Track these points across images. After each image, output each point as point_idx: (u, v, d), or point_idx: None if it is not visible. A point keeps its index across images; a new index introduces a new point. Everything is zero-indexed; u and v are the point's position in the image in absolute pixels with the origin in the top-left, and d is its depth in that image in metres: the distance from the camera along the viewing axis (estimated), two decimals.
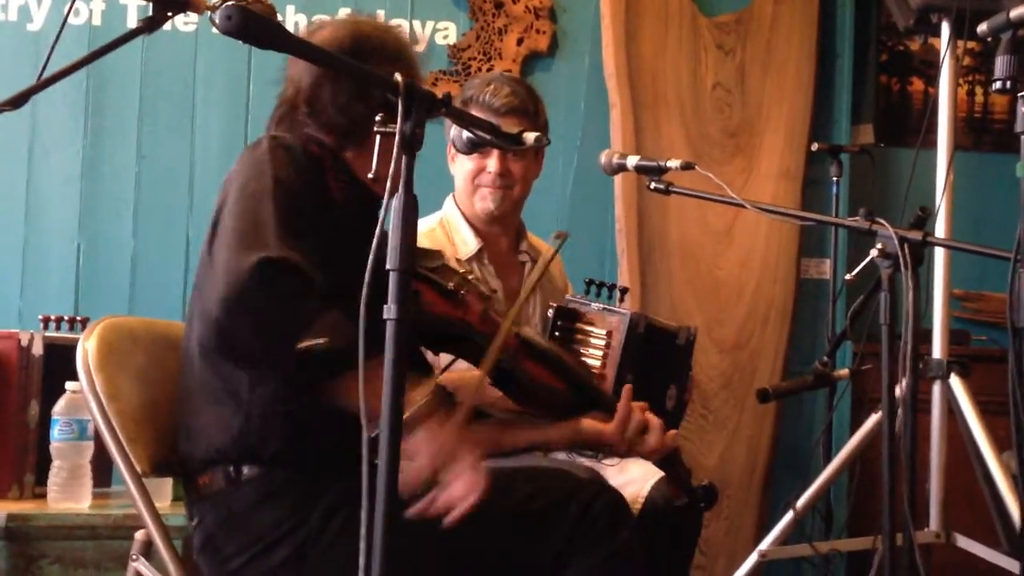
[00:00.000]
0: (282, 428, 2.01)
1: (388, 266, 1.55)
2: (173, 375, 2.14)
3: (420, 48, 4.22)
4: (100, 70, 4.04)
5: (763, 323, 4.21)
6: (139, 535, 2.06)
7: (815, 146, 4.03)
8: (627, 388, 2.34)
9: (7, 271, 4.08)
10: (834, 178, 4.03)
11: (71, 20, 4.09)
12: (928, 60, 4.58)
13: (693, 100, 4.24)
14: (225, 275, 1.84)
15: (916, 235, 2.43)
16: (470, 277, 2.27)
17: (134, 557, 2.06)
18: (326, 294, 1.84)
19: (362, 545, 1.58)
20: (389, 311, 1.55)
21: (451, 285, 2.16)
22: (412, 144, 1.54)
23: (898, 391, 2.50)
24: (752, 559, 3.46)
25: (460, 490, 1.89)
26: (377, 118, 1.57)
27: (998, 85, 2.09)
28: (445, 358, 2.33)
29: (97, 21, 4.11)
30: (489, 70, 4.21)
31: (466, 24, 4.25)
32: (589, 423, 2.30)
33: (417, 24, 4.24)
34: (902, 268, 2.40)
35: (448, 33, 4.26)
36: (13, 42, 4.09)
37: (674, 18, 4.25)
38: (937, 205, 3.60)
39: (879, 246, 2.43)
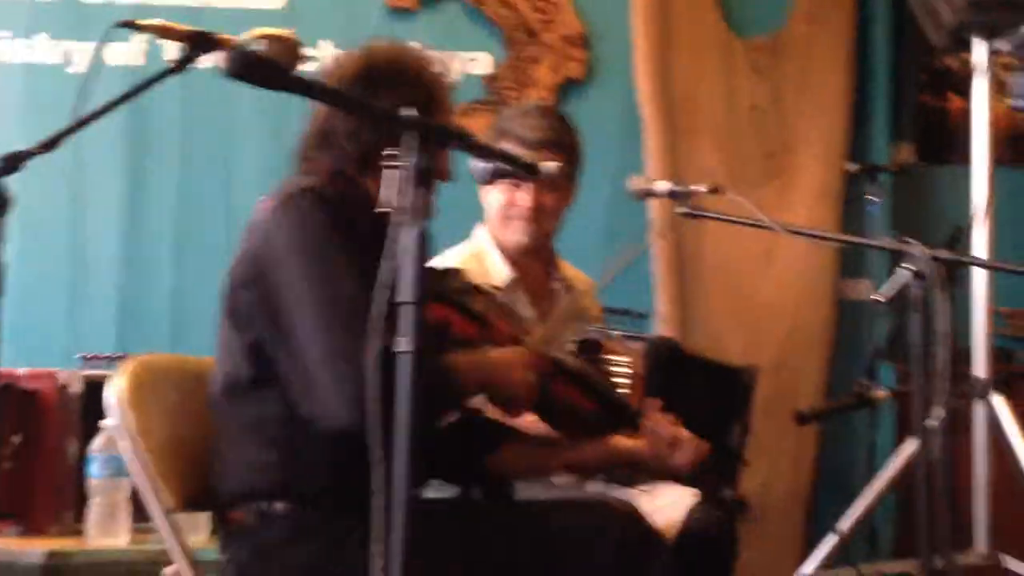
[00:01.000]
0: (315, 464, 2.02)
1: (401, 298, 1.56)
2: (205, 411, 2.16)
3: (453, 78, 4.24)
4: (141, 106, 4.08)
5: (803, 345, 4.18)
6: (169, 571, 2.08)
7: (852, 166, 4.01)
8: (654, 403, 2.34)
9: (54, 305, 4.13)
10: (872, 199, 4.00)
11: (112, 63, 4.15)
12: (968, 77, 4.54)
13: (729, 123, 4.24)
14: (339, 376, 1.86)
15: (946, 254, 2.42)
16: (498, 297, 2.28)
17: None
18: None
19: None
20: (401, 344, 1.55)
21: (478, 308, 2.17)
22: (423, 178, 1.55)
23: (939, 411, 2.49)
24: None
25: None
26: (386, 151, 1.59)
27: (1020, 103, 2.08)
28: None
29: (138, 62, 4.17)
30: (524, 99, 4.22)
31: (500, 54, 4.27)
32: (621, 441, 2.32)
33: (451, 55, 4.26)
34: (933, 288, 2.39)
35: (482, 64, 4.28)
36: (55, 85, 4.15)
37: (708, 41, 4.25)
38: (973, 222, 3.58)
39: (909, 266, 2.42)
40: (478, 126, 4.11)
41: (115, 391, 2.10)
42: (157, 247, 4.17)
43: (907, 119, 4.45)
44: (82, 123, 2.39)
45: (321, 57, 4.22)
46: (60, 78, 4.17)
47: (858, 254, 4.23)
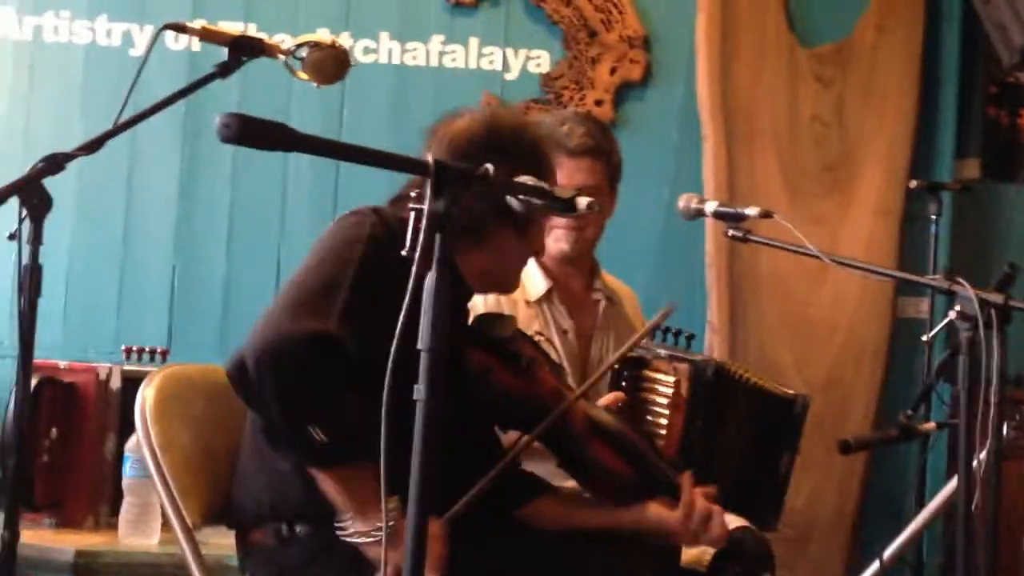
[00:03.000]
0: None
1: (419, 346, 1.53)
2: (232, 422, 2.15)
3: (511, 76, 4.21)
4: (197, 94, 4.09)
5: (856, 363, 4.10)
6: None
7: (913, 183, 3.92)
8: (687, 476, 2.29)
9: (105, 291, 4.16)
10: (933, 216, 3.91)
11: (171, 47, 4.16)
12: None
13: (789, 133, 4.16)
14: (275, 327, 1.85)
15: (998, 298, 2.34)
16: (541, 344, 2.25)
17: None
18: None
19: None
20: (419, 392, 1.52)
21: (523, 361, 2.14)
22: (444, 222, 1.52)
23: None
24: None
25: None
26: (412, 194, 1.55)
27: None
28: (512, 435, 2.30)
29: (196, 47, 4.17)
30: (582, 99, 4.18)
31: (559, 53, 4.22)
32: (655, 510, 2.26)
33: (510, 52, 4.22)
34: (981, 331, 2.32)
35: (541, 62, 4.23)
36: (116, 67, 4.17)
37: (771, 48, 4.17)
38: None
39: (958, 307, 2.35)
40: None
41: (140, 404, 2.09)
42: (209, 238, 4.19)
43: (974, 134, 4.34)
44: (122, 127, 2.39)
45: (378, 50, 4.22)
46: (121, 60, 4.19)
47: (918, 271, 4.12)
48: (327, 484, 1.92)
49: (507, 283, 2.29)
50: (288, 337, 1.83)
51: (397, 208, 2.09)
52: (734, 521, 2.74)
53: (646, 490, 2.25)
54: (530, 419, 2.13)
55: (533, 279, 2.93)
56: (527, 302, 2.88)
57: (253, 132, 1.40)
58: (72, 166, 2.23)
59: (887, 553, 3.41)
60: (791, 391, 2.86)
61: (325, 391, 1.83)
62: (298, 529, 2.02)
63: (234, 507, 2.10)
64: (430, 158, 1.52)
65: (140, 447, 2.11)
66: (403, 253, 1.53)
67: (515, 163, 1.96)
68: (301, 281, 1.95)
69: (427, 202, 1.50)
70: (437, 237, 1.52)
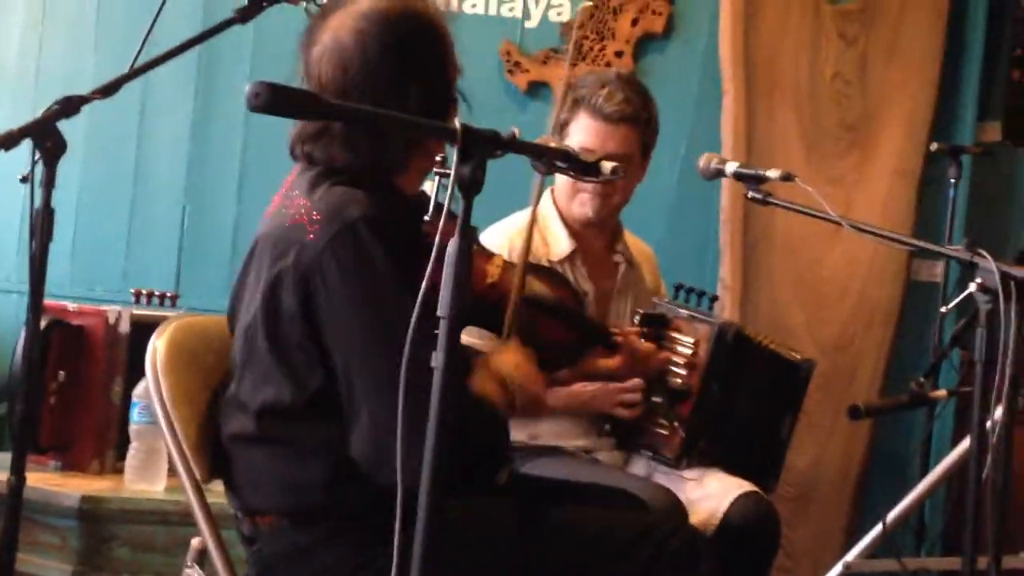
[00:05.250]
0: (346, 485, 1.93)
1: (439, 313, 1.51)
2: None
3: (531, 24, 4.14)
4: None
5: (867, 325, 4.07)
6: (195, 543, 2.05)
7: (935, 146, 3.87)
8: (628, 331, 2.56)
9: (115, 229, 4.13)
10: (952, 180, 3.87)
11: None
12: None
13: (810, 90, 4.10)
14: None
15: (1020, 271, 2.32)
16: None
17: (189, 564, 2.06)
18: None
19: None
20: (437, 359, 1.50)
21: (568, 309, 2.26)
22: (470, 189, 1.49)
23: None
24: (836, 570, 3.39)
25: None
26: (437, 158, 1.52)
27: None
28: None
29: None
30: (602, 51, 4.12)
31: (580, 1, 4.15)
32: (599, 360, 2.46)
33: (531, 0, 4.16)
34: (1002, 304, 2.30)
35: (562, 10, 4.17)
36: (129, 5, 4.11)
37: (796, 4, 4.09)
38: None
39: (979, 280, 2.33)
40: (554, 75, 4.03)
41: (151, 355, 2.06)
42: (221, 180, 4.15)
43: (997, 96, 4.29)
44: (138, 71, 2.37)
45: None
46: None
47: (935, 234, 4.10)
48: None
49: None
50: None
51: (358, 200, 1.92)
52: (740, 487, 2.74)
53: (589, 347, 2.42)
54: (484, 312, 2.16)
55: (558, 238, 2.91)
56: (550, 261, 2.86)
57: (283, 101, 1.36)
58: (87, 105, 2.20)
59: (890, 517, 3.42)
60: (798, 355, 2.86)
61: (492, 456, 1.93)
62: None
63: (239, 494, 2.03)
64: (457, 124, 1.48)
65: (150, 396, 2.09)
66: (426, 218, 1.51)
67: (419, 70, 1.91)
68: (377, 370, 1.82)
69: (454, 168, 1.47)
70: (462, 203, 1.49)
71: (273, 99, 1.34)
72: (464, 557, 1.89)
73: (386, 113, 1.50)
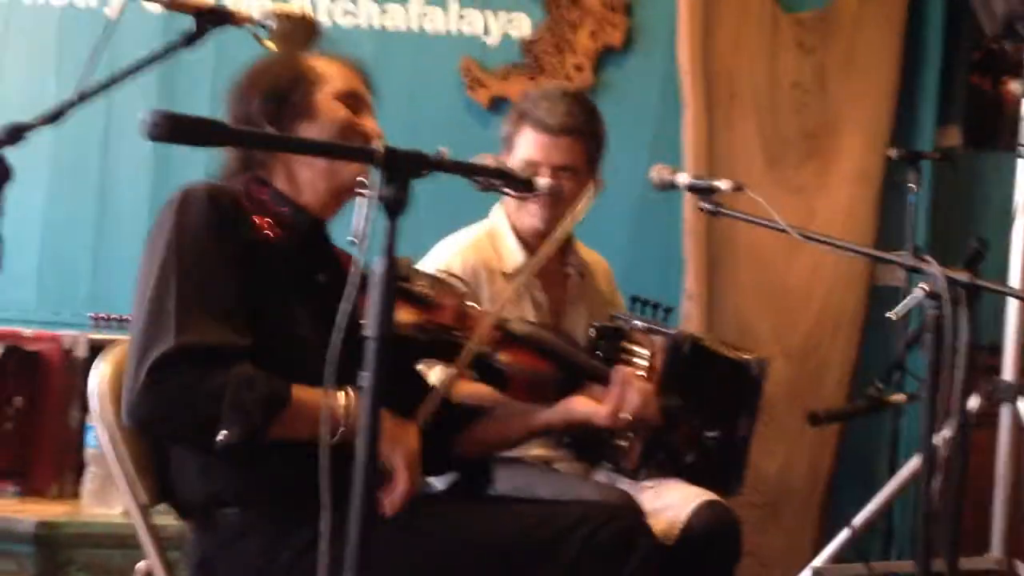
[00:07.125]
0: (247, 472, 1.98)
1: (366, 333, 1.52)
2: None
3: (492, 41, 4.16)
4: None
5: (833, 331, 4.09)
6: (140, 566, 2.06)
7: (893, 152, 3.89)
8: (625, 372, 2.39)
9: (80, 254, 4.12)
10: (912, 185, 3.89)
11: (146, 6, 4.09)
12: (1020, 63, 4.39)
13: (769, 99, 4.12)
14: (131, 380, 1.89)
15: (964, 276, 2.34)
16: (442, 277, 2.28)
17: None
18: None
19: None
20: (364, 379, 1.51)
21: (421, 290, 2.17)
22: (395, 209, 1.50)
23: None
24: (805, 575, 3.41)
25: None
26: (360, 178, 1.54)
27: None
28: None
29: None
30: (561, 64, 4.14)
31: (539, 16, 4.17)
32: (581, 403, 2.33)
33: (490, 15, 4.18)
34: (948, 310, 2.31)
35: (521, 25, 4.19)
36: (91, 27, 4.12)
37: (753, 14, 4.13)
38: (1016, 212, 3.49)
39: (923, 286, 2.34)
40: (514, 90, 4.04)
41: (94, 380, 2.07)
42: None
43: (956, 101, 4.31)
44: (86, 96, 2.37)
45: (358, 13, 4.17)
46: (97, 22, 4.13)
47: (895, 240, 4.13)
48: (289, 432, 1.91)
49: (342, 178, 2.07)
50: (139, 387, 1.87)
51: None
52: (700, 496, 2.75)
53: (571, 382, 2.33)
54: (436, 345, 2.17)
55: (511, 251, 2.92)
56: (504, 274, 2.88)
57: (183, 130, 1.37)
58: (48, 128, 2.21)
59: (858, 520, 3.44)
60: (748, 356, 2.85)
61: (197, 401, 1.86)
62: (227, 512, 2.00)
63: (169, 489, 2.08)
64: (379, 146, 1.49)
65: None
66: (350, 239, 1.52)
67: (281, 103, 2.11)
68: (138, 320, 1.96)
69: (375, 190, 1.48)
70: (388, 224, 1.50)
71: (172, 128, 1.35)
72: (393, 548, 1.92)
73: (292, 138, 1.51)
